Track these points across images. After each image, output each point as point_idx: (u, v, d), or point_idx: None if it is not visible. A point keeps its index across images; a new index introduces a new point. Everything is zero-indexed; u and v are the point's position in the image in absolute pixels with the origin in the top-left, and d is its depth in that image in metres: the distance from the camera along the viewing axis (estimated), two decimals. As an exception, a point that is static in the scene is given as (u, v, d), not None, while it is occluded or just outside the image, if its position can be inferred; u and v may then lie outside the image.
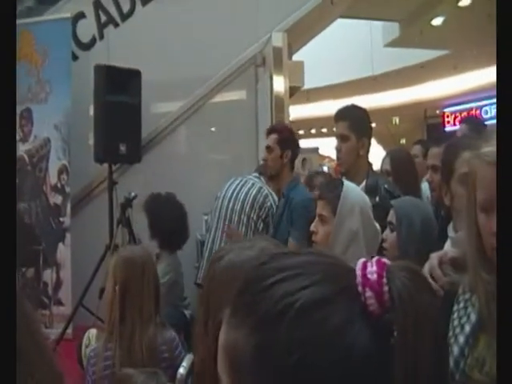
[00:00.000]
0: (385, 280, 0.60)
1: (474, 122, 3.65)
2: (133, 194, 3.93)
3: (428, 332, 0.58)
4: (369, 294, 0.59)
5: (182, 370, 1.03)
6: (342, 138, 2.85)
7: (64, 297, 4.34)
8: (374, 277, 0.60)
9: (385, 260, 0.62)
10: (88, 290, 3.91)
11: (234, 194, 3.76)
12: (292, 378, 0.57)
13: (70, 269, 4.30)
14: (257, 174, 3.93)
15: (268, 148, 3.50)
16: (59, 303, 4.36)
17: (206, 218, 4.27)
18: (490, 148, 1.13)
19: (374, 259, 0.63)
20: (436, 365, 0.58)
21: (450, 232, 1.87)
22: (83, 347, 3.38)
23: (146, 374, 1.75)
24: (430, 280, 0.63)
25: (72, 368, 3.37)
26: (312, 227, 2.04)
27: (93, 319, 3.71)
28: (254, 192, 3.74)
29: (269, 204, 3.72)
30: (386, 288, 0.59)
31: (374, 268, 0.61)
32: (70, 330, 4.04)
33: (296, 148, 3.60)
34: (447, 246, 1.88)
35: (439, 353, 0.59)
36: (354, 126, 2.84)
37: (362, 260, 0.63)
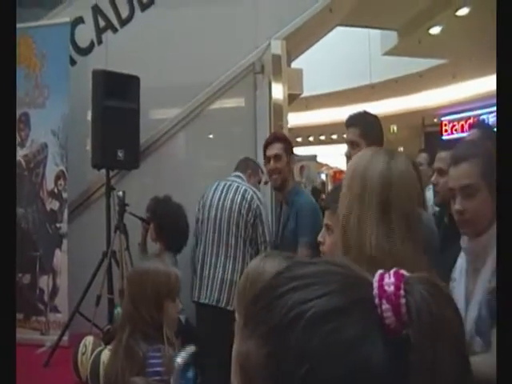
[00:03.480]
0: (402, 292, 0.58)
1: (484, 127, 3.67)
2: (121, 193, 3.91)
3: (447, 350, 0.55)
4: (385, 306, 0.57)
5: (179, 360, 1.00)
6: (352, 145, 2.81)
7: (60, 304, 4.30)
8: (391, 289, 0.58)
9: (403, 271, 0.60)
10: (85, 297, 3.87)
11: (221, 203, 3.70)
12: None
13: (67, 275, 4.26)
14: (238, 174, 3.90)
15: (276, 156, 3.49)
16: (55, 310, 4.32)
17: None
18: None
19: (392, 270, 0.60)
20: (456, 380, 0.56)
21: (463, 243, 1.84)
22: (79, 354, 3.35)
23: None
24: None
25: (67, 375, 3.35)
26: (319, 237, 2.03)
27: (89, 326, 3.68)
28: (240, 198, 3.69)
29: (255, 205, 3.69)
30: (403, 301, 0.57)
31: (392, 279, 0.59)
32: (66, 337, 4.00)
33: (293, 155, 3.65)
34: (461, 257, 1.87)
35: (460, 372, 0.56)
36: (365, 132, 2.80)
37: (380, 271, 0.61)
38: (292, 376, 0.56)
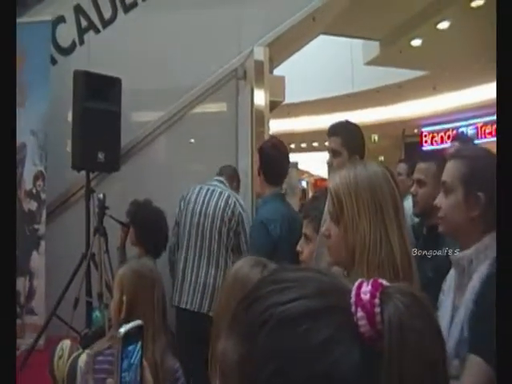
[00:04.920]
0: (377, 301, 0.57)
1: (465, 140, 3.76)
2: (101, 196, 3.89)
3: (416, 362, 0.55)
4: (360, 314, 0.57)
5: (122, 330, 0.99)
6: (334, 154, 2.84)
7: (37, 306, 4.23)
8: (367, 297, 0.58)
9: (382, 281, 0.60)
10: (62, 300, 3.82)
11: (204, 208, 3.69)
12: None
13: (44, 277, 4.20)
14: (220, 178, 3.90)
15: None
16: (32, 312, 4.25)
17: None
18: None
19: (372, 279, 0.61)
20: None
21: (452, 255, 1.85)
22: (56, 358, 3.30)
23: None
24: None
25: (44, 380, 3.30)
26: (298, 247, 2.05)
27: (66, 330, 3.63)
28: (223, 204, 3.69)
29: (237, 212, 3.69)
30: (377, 309, 0.57)
31: (369, 287, 0.59)
32: (42, 341, 3.94)
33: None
34: (452, 271, 1.88)
35: (432, 382, 0.56)
36: (347, 142, 2.82)
37: (360, 279, 0.61)
38: (258, 376, 0.56)
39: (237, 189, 4.10)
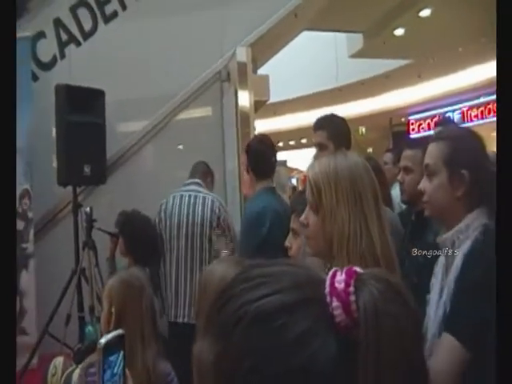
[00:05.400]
0: (352, 289, 0.56)
1: (449, 124, 3.73)
2: (88, 209, 3.86)
3: (393, 347, 0.54)
4: (335, 303, 0.56)
5: (102, 341, 0.97)
6: (320, 147, 2.84)
7: (28, 325, 4.18)
8: (342, 286, 0.57)
9: (356, 268, 0.59)
10: (54, 317, 3.79)
11: (191, 219, 3.64)
12: None
13: (35, 296, 4.16)
14: (196, 180, 3.85)
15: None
16: (23, 332, 4.20)
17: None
18: None
19: (345, 268, 0.59)
20: (404, 381, 0.55)
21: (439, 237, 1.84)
22: (49, 376, 3.27)
23: None
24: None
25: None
26: (286, 242, 2.03)
27: (59, 347, 3.59)
28: (209, 211, 3.66)
29: (223, 217, 3.68)
30: (352, 298, 0.56)
31: (343, 276, 0.58)
32: (35, 360, 3.90)
33: None
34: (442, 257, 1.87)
35: (408, 370, 0.55)
36: (333, 135, 2.83)
37: (334, 269, 0.60)
38: (234, 374, 0.56)
39: (211, 183, 4.06)
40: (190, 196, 3.72)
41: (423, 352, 0.60)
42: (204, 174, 3.99)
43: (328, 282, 0.58)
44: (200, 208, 3.66)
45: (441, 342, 1.56)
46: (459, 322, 1.55)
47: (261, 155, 3.34)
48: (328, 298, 0.57)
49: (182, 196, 3.73)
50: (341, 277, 0.58)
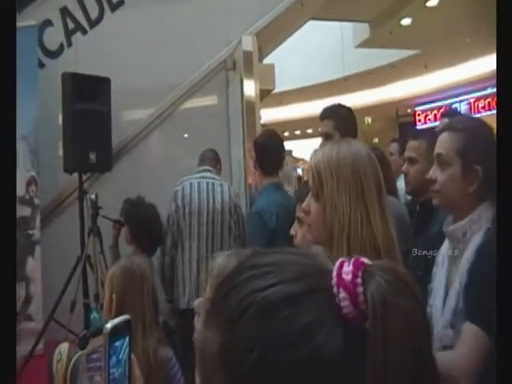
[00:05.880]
0: (359, 280, 0.56)
1: (455, 115, 3.70)
2: (93, 196, 3.88)
3: (402, 340, 0.54)
4: (342, 295, 0.56)
5: (108, 326, 0.97)
6: (326, 137, 2.85)
7: (34, 312, 4.21)
8: (349, 277, 0.56)
9: (363, 259, 0.59)
10: (60, 303, 3.81)
11: (211, 206, 3.65)
12: (251, 377, 0.55)
13: (41, 282, 4.19)
14: (208, 168, 3.88)
15: None
16: (29, 318, 4.23)
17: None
18: None
19: (353, 258, 0.59)
20: (412, 374, 0.54)
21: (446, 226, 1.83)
22: (54, 362, 3.29)
23: None
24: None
25: (44, 384, 3.30)
26: (291, 231, 2.04)
27: (65, 333, 3.62)
28: (227, 198, 3.70)
29: (237, 204, 3.75)
30: (360, 289, 0.56)
31: (350, 267, 0.57)
32: (41, 345, 3.93)
33: None
34: (446, 240, 1.87)
35: (416, 362, 0.55)
36: (339, 124, 2.84)
37: (340, 259, 0.59)
38: (242, 364, 0.55)
39: (219, 171, 4.10)
40: (207, 183, 3.74)
41: (431, 344, 0.60)
42: (214, 161, 4.03)
43: (335, 273, 0.58)
44: (219, 195, 3.69)
45: (464, 333, 1.54)
46: (482, 312, 1.52)
47: (267, 151, 3.35)
48: (335, 289, 0.57)
49: (199, 183, 3.74)
50: (348, 268, 0.58)
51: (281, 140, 3.51)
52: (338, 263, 0.59)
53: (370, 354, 0.53)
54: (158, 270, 3.77)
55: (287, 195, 3.42)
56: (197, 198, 3.69)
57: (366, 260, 0.59)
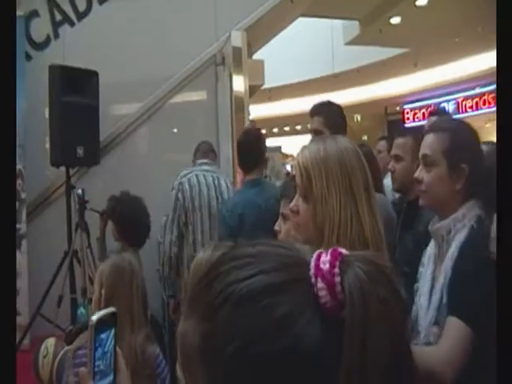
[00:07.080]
0: (337, 270, 0.56)
1: (442, 114, 3.72)
2: (80, 191, 3.85)
3: (379, 329, 0.54)
4: (320, 285, 0.56)
5: (94, 318, 0.97)
6: (316, 134, 2.85)
7: (20, 306, 4.18)
8: (326, 267, 0.57)
9: (341, 250, 0.59)
10: (46, 298, 3.79)
11: (219, 200, 3.67)
12: (232, 367, 0.56)
13: (27, 277, 4.16)
14: (208, 161, 3.91)
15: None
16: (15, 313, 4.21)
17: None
18: None
19: (330, 249, 0.59)
20: (389, 363, 0.54)
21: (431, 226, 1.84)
22: (40, 357, 3.27)
23: None
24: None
25: (30, 380, 3.27)
26: (276, 227, 2.03)
27: (51, 328, 3.60)
28: (231, 193, 3.73)
29: None
30: (337, 279, 0.56)
31: (328, 257, 0.58)
32: (27, 341, 3.90)
33: None
34: (432, 243, 1.88)
35: (394, 350, 0.55)
36: (329, 121, 2.85)
37: (318, 250, 0.60)
38: (222, 354, 0.56)
39: (214, 160, 4.14)
40: (213, 177, 3.77)
41: (407, 335, 0.61)
42: (211, 153, 4.07)
43: (313, 264, 0.58)
44: (225, 189, 3.73)
45: (448, 327, 1.56)
46: (464, 305, 1.56)
47: (241, 148, 3.34)
48: (313, 279, 0.57)
49: (205, 176, 3.76)
50: (326, 258, 0.58)
51: (258, 137, 3.45)
52: (316, 254, 0.59)
53: (347, 343, 0.54)
54: (161, 263, 3.79)
55: (265, 192, 3.30)
56: (205, 191, 3.69)
57: (343, 250, 0.59)
